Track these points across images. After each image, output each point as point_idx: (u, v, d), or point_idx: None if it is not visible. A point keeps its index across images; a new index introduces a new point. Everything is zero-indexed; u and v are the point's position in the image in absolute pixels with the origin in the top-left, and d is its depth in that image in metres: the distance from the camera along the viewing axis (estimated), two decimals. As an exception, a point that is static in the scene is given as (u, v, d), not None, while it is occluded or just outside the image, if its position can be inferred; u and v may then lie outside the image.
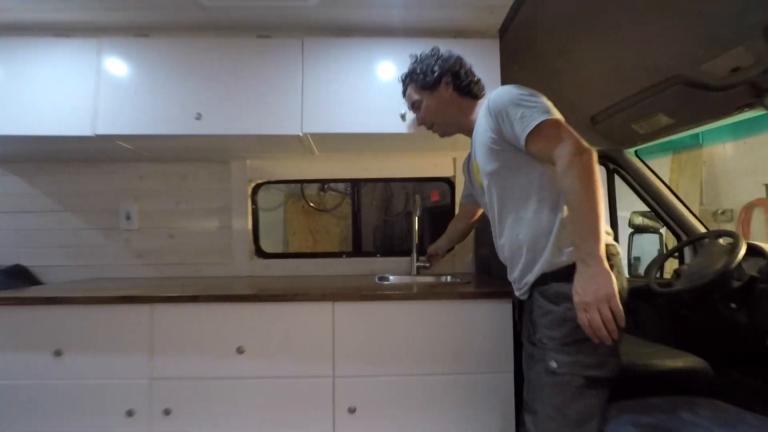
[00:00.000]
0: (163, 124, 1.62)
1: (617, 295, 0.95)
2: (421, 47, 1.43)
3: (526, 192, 1.13)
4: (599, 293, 0.93)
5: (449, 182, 2.16)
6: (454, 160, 2.12)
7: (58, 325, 1.46)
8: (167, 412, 1.46)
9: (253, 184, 2.12)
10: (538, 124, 1.04)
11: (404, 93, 1.45)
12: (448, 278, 1.95)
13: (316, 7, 1.53)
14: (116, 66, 1.64)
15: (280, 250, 3.17)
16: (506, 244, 1.20)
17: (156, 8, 1.54)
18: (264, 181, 2.13)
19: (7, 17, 1.59)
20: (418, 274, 1.99)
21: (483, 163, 1.21)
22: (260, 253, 2.14)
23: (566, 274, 1.04)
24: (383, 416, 1.45)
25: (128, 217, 2.09)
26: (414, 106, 1.42)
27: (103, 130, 1.62)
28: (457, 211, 1.85)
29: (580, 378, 1.01)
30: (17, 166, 2.09)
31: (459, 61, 1.36)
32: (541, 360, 1.08)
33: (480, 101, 1.34)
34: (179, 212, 2.11)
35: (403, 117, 1.64)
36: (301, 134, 1.63)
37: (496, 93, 1.15)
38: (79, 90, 1.62)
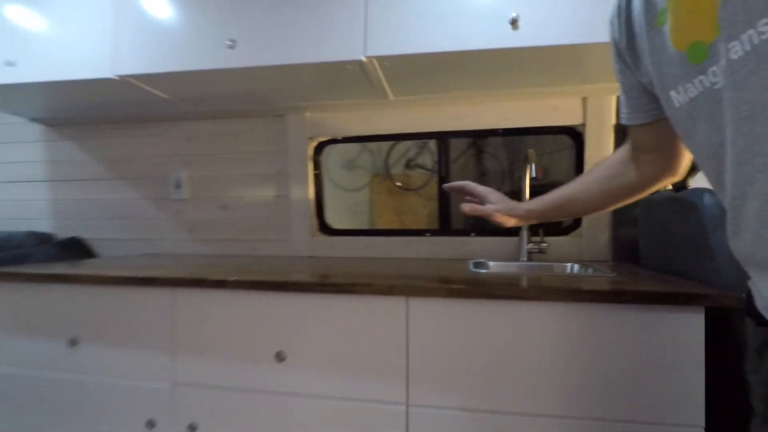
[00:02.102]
0: (190, 58, 1.25)
1: None
2: None
3: None
4: None
5: (575, 134, 1.54)
6: (584, 101, 1.49)
7: (73, 309, 1.19)
8: (192, 428, 1.11)
9: (314, 143, 1.71)
10: None
11: None
12: (576, 267, 1.36)
13: None
14: (138, -12, 1.30)
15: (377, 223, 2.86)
16: None
17: None
18: (328, 138, 1.71)
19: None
20: (531, 260, 1.43)
21: None
22: (324, 229, 1.73)
23: None
24: (481, 475, 0.96)
25: (178, 185, 1.81)
26: None
27: (125, 70, 1.30)
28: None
29: None
30: (68, 129, 1.91)
31: None
32: None
33: None
34: (232, 179, 1.78)
35: (513, 23, 1.08)
36: (363, 58, 1.16)
37: None
38: (97, 26, 1.32)
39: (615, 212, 1.48)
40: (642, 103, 0.65)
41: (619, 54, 0.63)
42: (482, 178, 2.75)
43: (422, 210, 3.00)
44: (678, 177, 0.74)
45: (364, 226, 3.09)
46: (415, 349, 1.00)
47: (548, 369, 0.93)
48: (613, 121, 1.48)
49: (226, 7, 1.23)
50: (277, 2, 1.21)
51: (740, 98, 0.41)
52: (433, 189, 1.75)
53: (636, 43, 0.57)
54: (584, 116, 1.49)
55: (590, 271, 1.28)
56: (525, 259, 1.43)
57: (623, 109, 0.69)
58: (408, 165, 2.92)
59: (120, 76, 1.31)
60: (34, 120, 1.90)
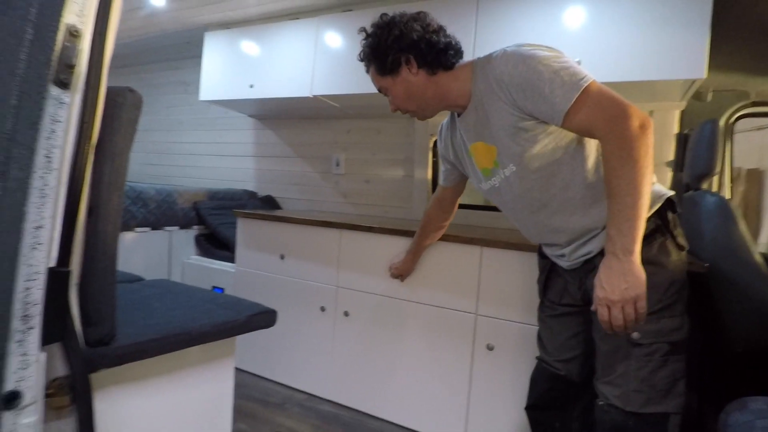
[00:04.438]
0: (359, 85, 1.96)
1: (645, 296, 0.85)
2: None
3: (576, 173, 1.01)
4: (627, 294, 0.84)
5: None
6: (650, 113, 1.85)
7: (283, 237, 2.02)
8: (347, 314, 1.87)
9: (434, 138, 2.33)
10: (582, 92, 0.86)
11: (367, 71, 1.15)
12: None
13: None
14: (327, 38, 2.05)
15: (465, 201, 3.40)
16: (560, 227, 1.07)
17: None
18: (443, 135, 2.31)
19: (257, 11, 2.16)
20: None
21: (505, 145, 1.01)
22: (436, 201, 2.36)
23: (647, 240, 0.94)
24: (518, 357, 1.53)
25: (337, 164, 2.59)
26: (381, 91, 1.14)
27: (317, 91, 2.07)
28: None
29: (665, 345, 0.95)
30: (269, 122, 2.83)
31: (417, 27, 1.02)
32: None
33: (464, 64, 1.06)
34: (374, 161, 2.50)
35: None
36: (468, 89, 1.73)
37: (503, 61, 0.94)
38: (303, 61, 2.10)
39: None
40: (451, 177, 1.34)
41: (444, 157, 1.30)
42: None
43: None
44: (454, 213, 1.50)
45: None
46: (484, 279, 1.59)
47: (568, 300, 1.45)
48: (676, 131, 1.82)
49: (381, 52, 1.90)
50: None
51: (511, 191, 1.08)
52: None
53: (458, 156, 1.22)
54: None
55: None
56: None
57: (440, 177, 1.38)
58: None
59: (314, 96, 2.08)
60: (250, 116, 2.85)
